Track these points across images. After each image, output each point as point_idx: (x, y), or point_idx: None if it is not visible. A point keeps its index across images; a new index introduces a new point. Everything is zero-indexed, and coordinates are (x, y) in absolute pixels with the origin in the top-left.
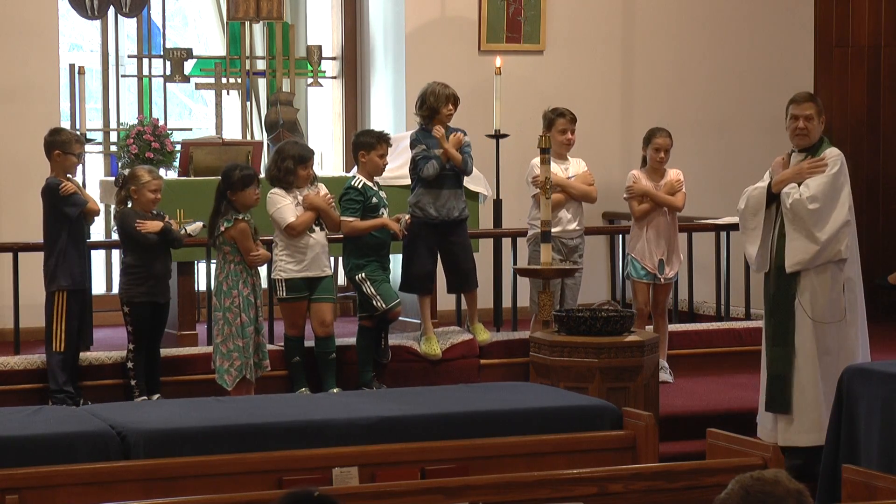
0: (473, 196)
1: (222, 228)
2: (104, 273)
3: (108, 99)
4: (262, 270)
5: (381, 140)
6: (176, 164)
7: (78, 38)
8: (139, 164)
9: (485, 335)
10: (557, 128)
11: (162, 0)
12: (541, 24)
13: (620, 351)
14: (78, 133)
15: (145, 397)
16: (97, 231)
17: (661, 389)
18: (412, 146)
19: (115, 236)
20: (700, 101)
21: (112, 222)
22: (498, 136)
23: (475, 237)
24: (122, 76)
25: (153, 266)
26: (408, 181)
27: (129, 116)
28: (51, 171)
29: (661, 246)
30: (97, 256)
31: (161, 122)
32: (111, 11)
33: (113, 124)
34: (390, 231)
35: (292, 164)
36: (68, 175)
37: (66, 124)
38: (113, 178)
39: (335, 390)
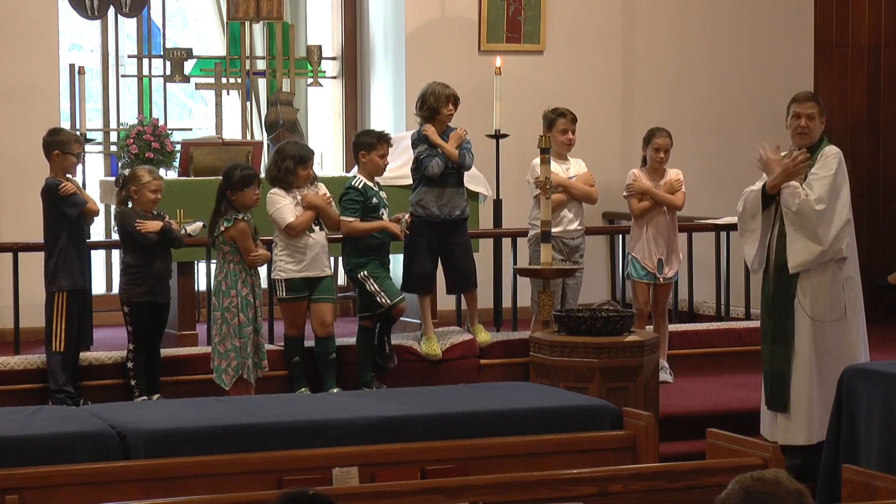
0: (473, 196)
1: (222, 228)
2: (104, 273)
3: (108, 99)
4: (262, 270)
5: (382, 140)
6: (176, 164)
7: (78, 38)
8: (139, 164)
9: (485, 336)
10: (558, 128)
11: (162, 0)
12: (541, 24)
13: (620, 351)
14: (77, 133)
15: (145, 397)
16: (97, 231)
17: (661, 389)
18: (414, 146)
19: (115, 236)
20: (700, 101)
21: (112, 222)
22: (498, 136)
23: (475, 237)
24: (122, 76)
25: (153, 266)
26: (408, 181)
27: (129, 116)
28: (50, 171)
29: (660, 246)
30: (97, 256)
31: (161, 122)
32: (111, 11)
33: (113, 124)
34: (390, 232)
35: (292, 164)
36: (68, 175)
37: (66, 124)
38: (113, 178)
39: (335, 390)
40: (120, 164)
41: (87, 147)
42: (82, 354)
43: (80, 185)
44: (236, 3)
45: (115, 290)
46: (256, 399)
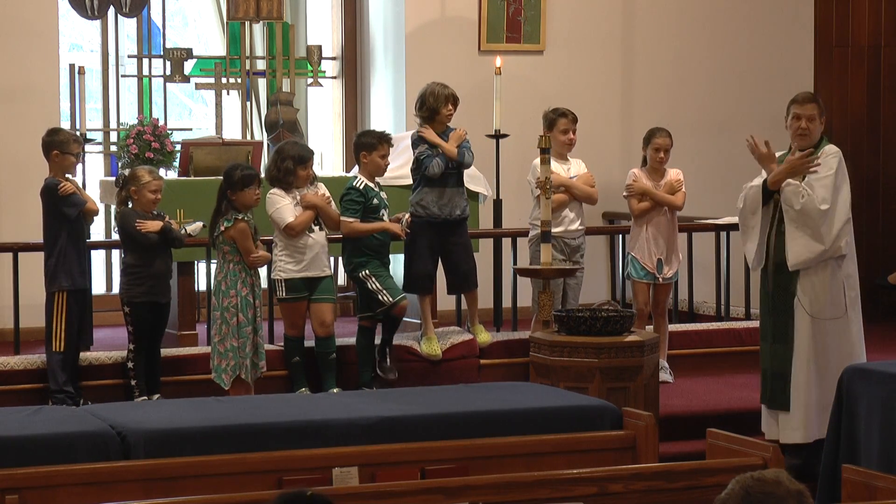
0: (473, 196)
1: (222, 228)
2: (104, 273)
3: (108, 99)
4: (262, 271)
5: (383, 140)
6: (176, 164)
7: (78, 38)
8: (139, 164)
9: (485, 336)
10: (559, 128)
11: (162, 0)
12: (541, 24)
13: (620, 351)
14: (77, 133)
15: (145, 397)
16: (97, 231)
17: (661, 389)
18: (414, 146)
19: (115, 236)
20: (700, 101)
21: (112, 222)
22: (498, 136)
23: (475, 237)
24: (122, 76)
25: (153, 266)
26: (408, 181)
27: (129, 116)
28: (49, 171)
29: (660, 246)
30: (97, 256)
31: (161, 122)
32: (111, 11)
33: (113, 124)
34: (391, 233)
35: (292, 164)
36: (67, 175)
37: (66, 124)
38: (113, 179)
39: (335, 390)
40: (120, 164)
41: (87, 147)
42: (82, 354)
43: (80, 185)
44: (236, 3)
45: (116, 290)
46: (256, 399)
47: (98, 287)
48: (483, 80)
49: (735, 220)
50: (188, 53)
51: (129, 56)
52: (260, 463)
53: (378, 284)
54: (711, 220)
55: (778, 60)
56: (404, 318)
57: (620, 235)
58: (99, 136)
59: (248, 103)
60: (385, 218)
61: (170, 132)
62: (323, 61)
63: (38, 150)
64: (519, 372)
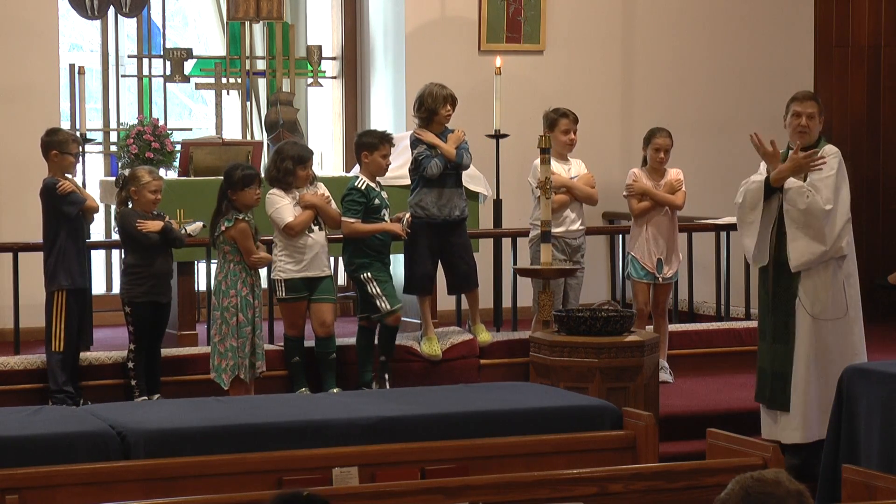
0: (473, 196)
1: (222, 228)
2: (104, 273)
3: (108, 99)
4: (262, 271)
5: (384, 140)
6: (176, 164)
7: (78, 38)
8: (139, 164)
9: (486, 336)
10: (560, 128)
11: (162, 0)
12: (541, 24)
13: (620, 351)
14: (76, 133)
15: (145, 397)
16: (97, 231)
17: (661, 389)
18: (413, 146)
19: (115, 236)
20: (700, 101)
21: (112, 222)
22: (498, 136)
23: (475, 237)
24: (122, 76)
25: (154, 266)
26: (408, 181)
27: (129, 116)
28: (48, 171)
29: (660, 245)
30: (97, 256)
31: (161, 122)
32: (111, 11)
33: (113, 124)
34: (391, 233)
35: (291, 164)
36: (66, 175)
37: (66, 124)
38: (113, 179)
39: (335, 390)
40: (120, 165)
41: (87, 147)
42: (82, 354)
43: (79, 185)
44: (236, 3)
45: (116, 290)
46: (256, 399)
47: (98, 287)
48: (483, 80)
49: (735, 220)
50: (188, 53)
51: (129, 56)
52: (260, 463)
53: (378, 290)
54: (711, 220)
55: (778, 60)
56: (405, 319)
57: (620, 235)
58: (99, 136)
59: (248, 103)
60: (386, 218)
61: (170, 132)
62: (323, 61)
63: (37, 150)
64: (519, 372)
